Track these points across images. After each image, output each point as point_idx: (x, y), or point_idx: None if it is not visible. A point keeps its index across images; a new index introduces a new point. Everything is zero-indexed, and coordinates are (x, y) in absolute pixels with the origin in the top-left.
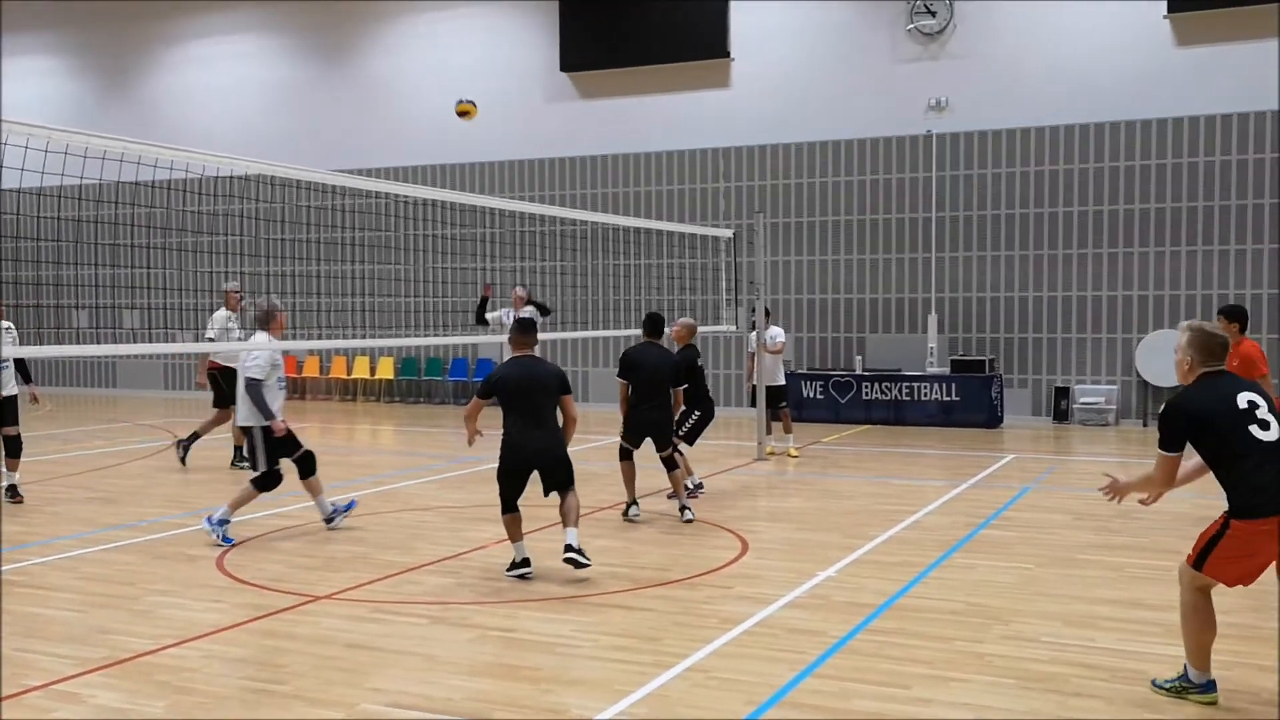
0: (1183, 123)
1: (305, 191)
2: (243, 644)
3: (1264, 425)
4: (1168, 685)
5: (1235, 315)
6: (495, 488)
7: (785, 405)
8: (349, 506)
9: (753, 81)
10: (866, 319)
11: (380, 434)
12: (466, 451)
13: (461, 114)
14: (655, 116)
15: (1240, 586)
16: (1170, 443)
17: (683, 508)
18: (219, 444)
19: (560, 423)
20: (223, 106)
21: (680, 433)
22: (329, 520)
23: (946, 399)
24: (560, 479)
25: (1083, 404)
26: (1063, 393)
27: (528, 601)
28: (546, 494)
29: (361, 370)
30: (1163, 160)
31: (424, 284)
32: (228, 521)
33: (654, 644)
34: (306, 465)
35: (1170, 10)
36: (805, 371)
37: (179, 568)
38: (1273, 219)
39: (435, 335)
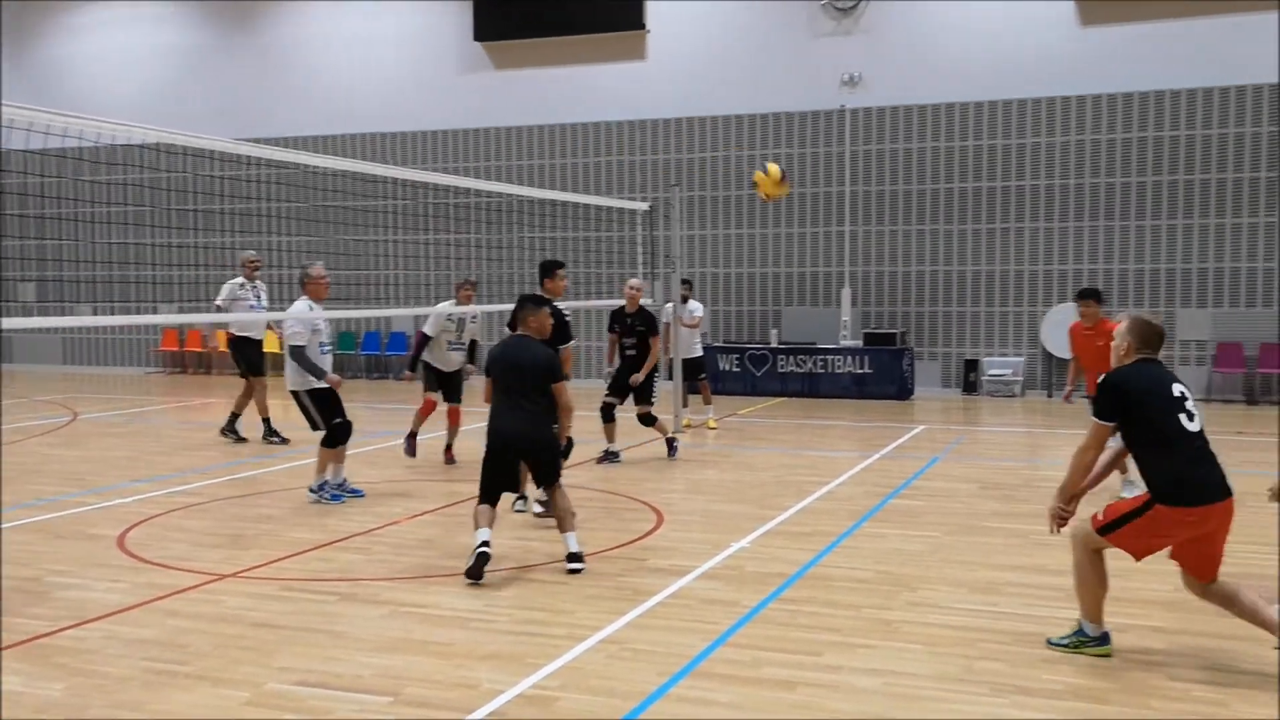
0: (1086, 101)
1: (208, 161)
2: (145, 624)
3: (1190, 416)
4: (1064, 642)
5: (1094, 295)
6: (405, 463)
7: (704, 377)
8: (356, 493)
9: (668, 54)
10: (782, 292)
11: (291, 409)
12: (380, 425)
13: (761, 186)
14: (571, 88)
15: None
16: (1106, 412)
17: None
18: (146, 418)
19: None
20: (121, 73)
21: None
22: (319, 488)
23: (859, 371)
24: (542, 466)
25: (990, 376)
26: (971, 365)
27: (441, 577)
28: (539, 486)
29: (271, 344)
30: (1067, 137)
31: (333, 256)
32: (325, 483)
33: (568, 617)
34: (347, 433)
35: None
36: (721, 345)
37: (78, 547)
38: (1173, 195)
39: (346, 308)
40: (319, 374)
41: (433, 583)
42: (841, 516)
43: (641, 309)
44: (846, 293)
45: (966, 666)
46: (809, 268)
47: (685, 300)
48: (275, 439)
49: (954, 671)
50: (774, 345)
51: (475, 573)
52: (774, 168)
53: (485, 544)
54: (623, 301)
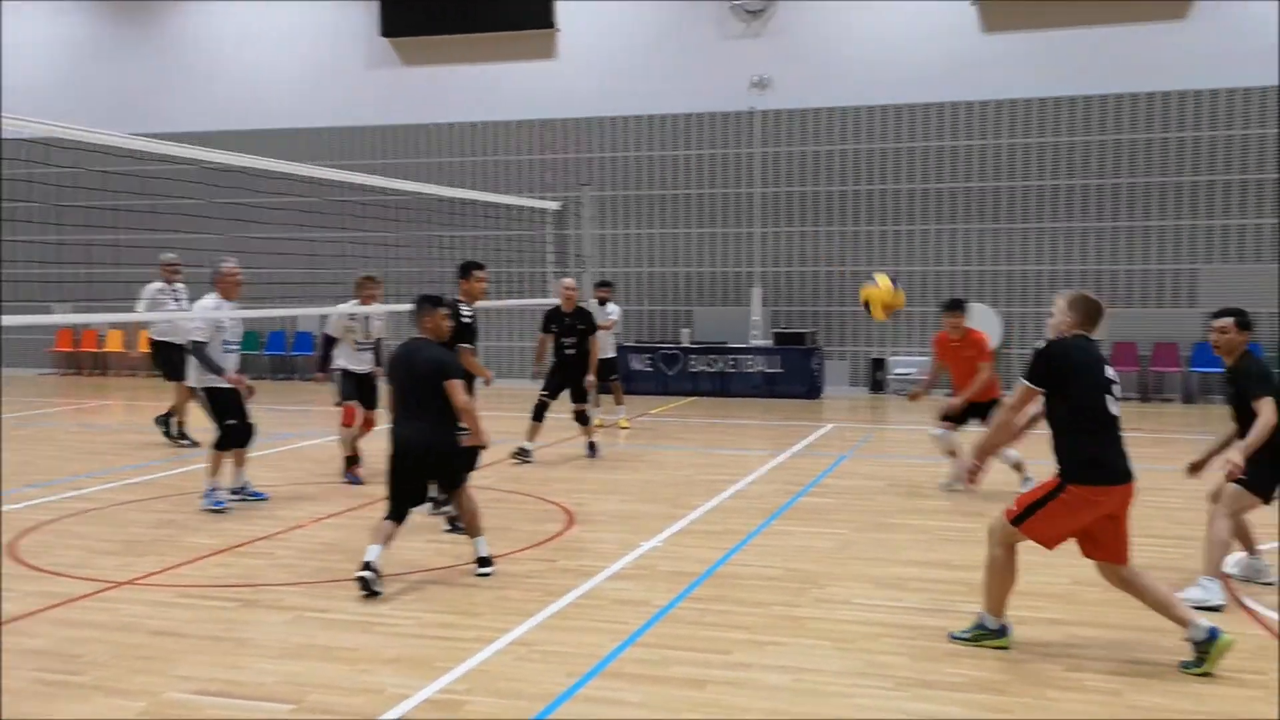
0: (989, 106)
1: (109, 158)
2: (36, 634)
3: (1115, 400)
4: (965, 635)
5: (960, 306)
6: (309, 466)
7: (616, 378)
8: (259, 496)
9: (579, 53)
10: (693, 292)
11: (190, 410)
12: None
13: (874, 302)
14: (480, 86)
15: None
16: (1038, 378)
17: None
18: (40, 420)
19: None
20: (17, 66)
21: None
22: (234, 493)
23: (770, 371)
24: (446, 473)
25: (896, 375)
26: (878, 364)
27: (346, 581)
28: (443, 492)
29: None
30: (970, 141)
31: (238, 255)
32: (216, 488)
33: (475, 619)
34: (243, 436)
35: None
36: (633, 344)
37: None
38: (1069, 199)
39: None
40: (218, 371)
41: (337, 587)
42: (752, 515)
43: (579, 308)
44: (757, 293)
45: (870, 661)
46: (720, 268)
47: (604, 302)
48: (185, 442)
49: (858, 666)
50: (685, 345)
51: (367, 590)
52: (884, 279)
53: (366, 565)
54: (556, 301)
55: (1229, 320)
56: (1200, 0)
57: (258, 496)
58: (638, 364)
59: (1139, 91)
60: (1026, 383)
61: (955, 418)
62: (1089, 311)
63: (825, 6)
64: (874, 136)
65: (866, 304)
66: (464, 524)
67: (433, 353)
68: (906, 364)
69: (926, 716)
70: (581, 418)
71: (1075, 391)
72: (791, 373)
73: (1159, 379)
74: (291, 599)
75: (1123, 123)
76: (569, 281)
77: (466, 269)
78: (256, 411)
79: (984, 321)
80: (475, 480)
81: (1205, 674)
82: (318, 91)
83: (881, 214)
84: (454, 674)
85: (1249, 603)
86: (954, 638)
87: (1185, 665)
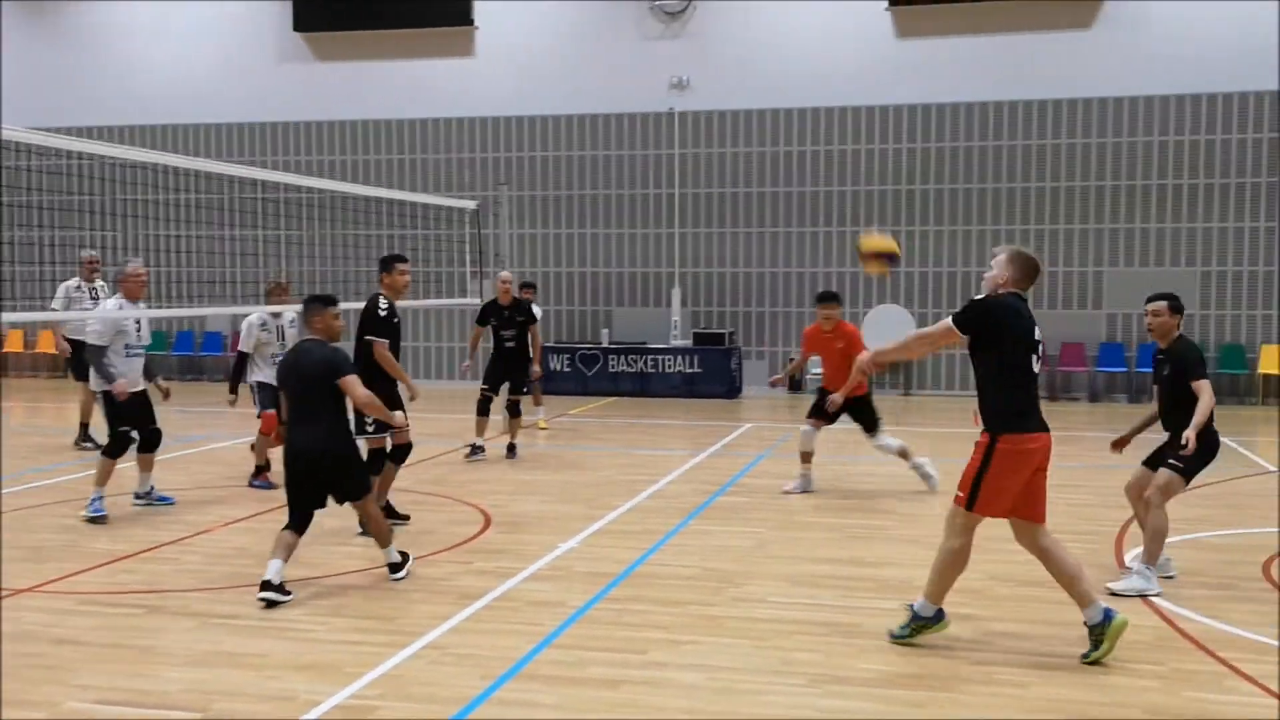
0: (903, 110)
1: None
2: None
3: (1038, 359)
4: (904, 632)
5: (835, 299)
6: (218, 469)
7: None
8: (165, 500)
9: (497, 52)
10: (613, 293)
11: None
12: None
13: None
14: (396, 83)
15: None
16: (966, 325)
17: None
18: None
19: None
20: None
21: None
22: (139, 497)
23: (689, 371)
24: (338, 485)
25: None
26: None
27: (254, 587)
28: (340, 503)
29: (46, 343)
30: (885, 145)
31: (144, 253)
32: (99, 497)
33: (389, 623)
34: (148, 440)
35: (891, 3)
36: (553, 345)
37: None
38: (981, 202)
39: (158, 307)
40: (108, 378)
41: (246, 592)
42: (670, 515)
43: (516, 300)
44: (676, 293)
45: (785, 658)
46: (639, 268)
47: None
48: (89, 445)
49: (773, 664)
50: (605, 345)
51: (272, 605)
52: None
53: (266, 584)
54: (475, 301)
55: (1163, 304)
56: (1107, 4)
57: (164, 501)
58: (557, 364)
59: (1047, 98)
60: (953, 326)
61: (828, 416)
62: (1026, 268)
63: (744, 8)
64: (792, 139)
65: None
66: (371, 534)
67: (323, 353)
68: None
69: (839, 712)
70: (514, 409)
71: (1007, 348)
72: (711, 373)
73: (1066, 378)
74: (198, 605)
75: (1031, 129)
76: (506, 275)
77: (388, 262)
78: (163, 413)
79: (897, 322)
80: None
81: (1098, 661)
82: (229, 87)
83: (800, 215)
84: (365, 679)
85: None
86: (895, 637)
87: (1085, 656)
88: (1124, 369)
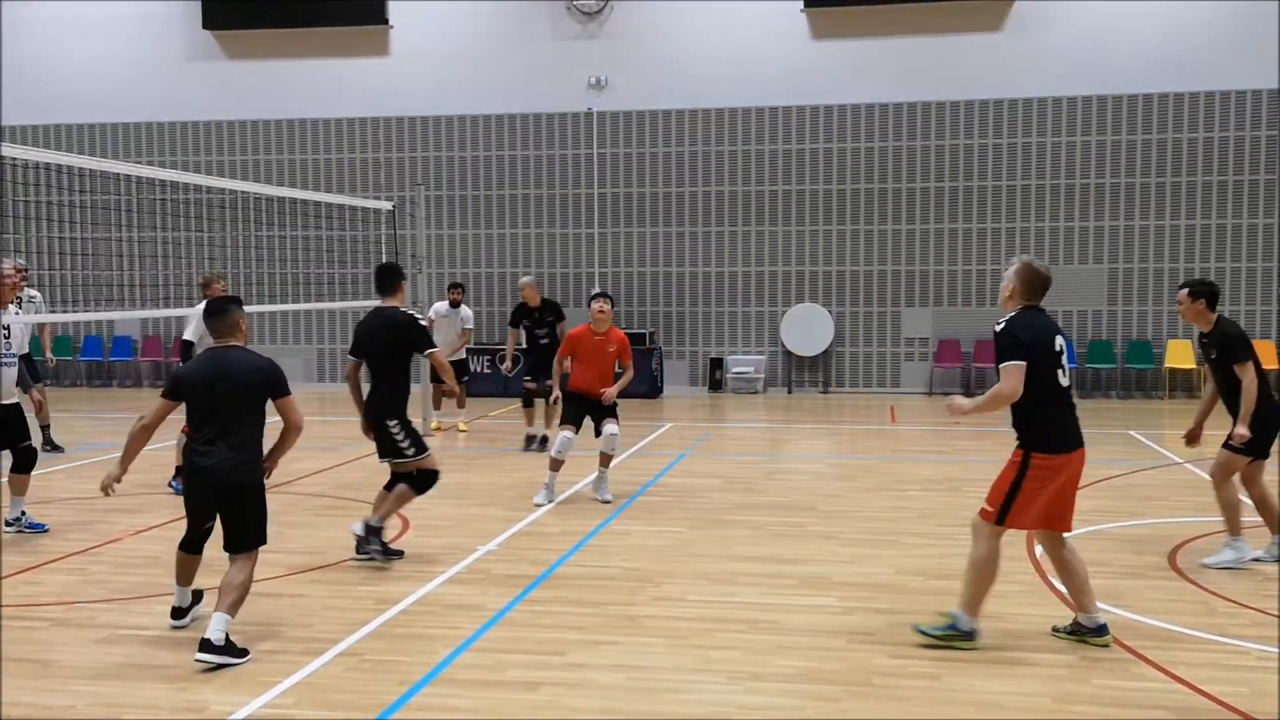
0: (819, 110)
1: None
2: None
3: (1064, 371)
4: (935, 632)
5: (609, 297)
6: (129, 477)
7: (466, 380)
8: (37, 527)
9: (413, 51)
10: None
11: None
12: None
13: None
14: (309, 82)
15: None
16: (1015, 354)
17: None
18: None
19: (279, 439)
20: None
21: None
22: (9, 523)
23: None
24: (247, 519)
25: (734, 374)
26: (716, 363)
27: (165, 596)
28: (229, 549)
29: None
30: (802, 145)
31: (44, 255)
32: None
33: (304, 630)
34: (22, 460)
35: (806, 5)
36: (472, 346)
37: None
38: (896, 201)
39: (64, 311)
40: None
41: (157, 602)
42: (590, 515)
43: (545, 300)
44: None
45: (704, 656)
46: (559, 268)
47: (456, 305)
48: (47, 448)
49: (692, 662)
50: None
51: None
52: None
53: (176, 611)
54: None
55: (1181, 291)
56: (1016, 5)
57: (36, 528)
58: (477, 365)
59: (959, 99)
60: (1012, 362)
61: (577, 419)
62: (1032, 281)
63: (661, 9)
64: (709, 138)
65: None
66: (223, 590)
67: (255, 361)
68: (744, 363)
69: (759, 708)
70: (536, 397)
71: (1030, 366)
72: None
73: (981, 374)
74: (106, 616)
75: (945, 129)
76: (529, 279)
77: (399, 277)
78: (69, 420)
79: (817, 320)
80: (307, 487)
81: (1059, 635)
82: (136, 85)
83: (719, 215)
84: (281, 688)
85: (1058, 585)
86: (923, 632)
87: (1057, 630)
88: None
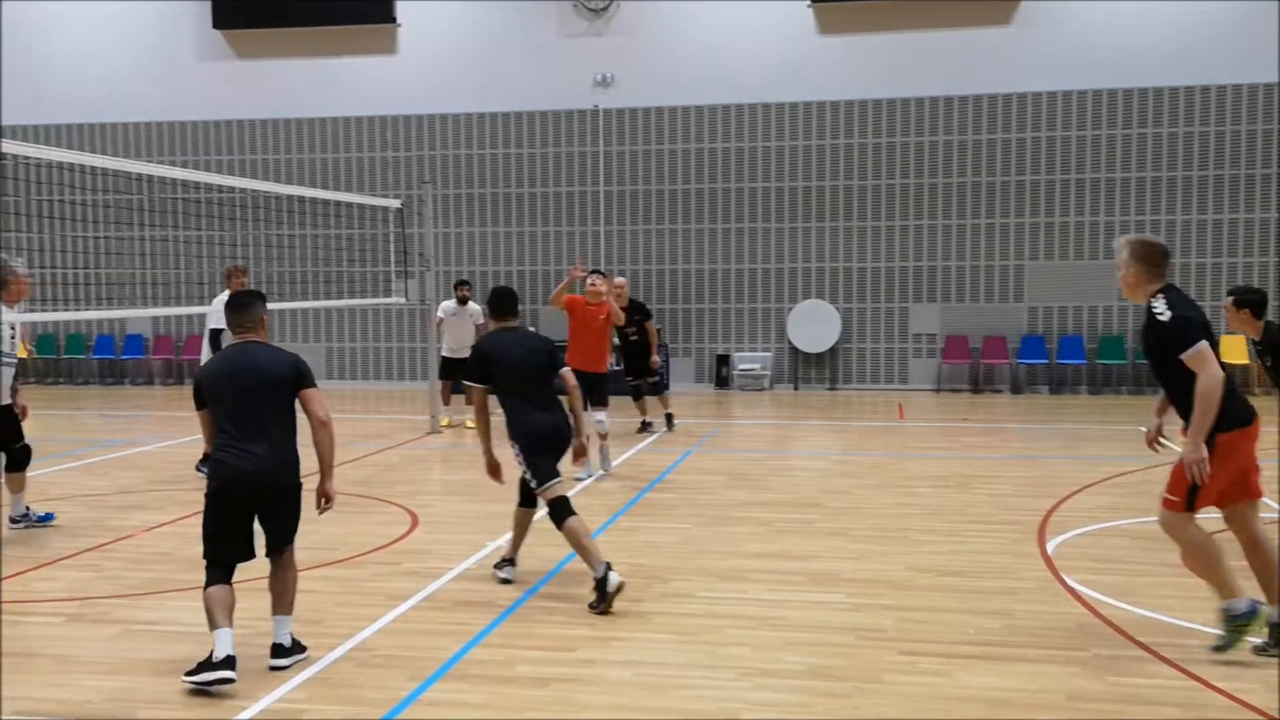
0: (825, 106)
1: None
2: None
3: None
4: (1225, 642)
5: (598, 274)
6: (141, 473)
7: None
8: (46, 518)
9: (421, 49)
10: (539, 291)
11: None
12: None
13: None
14: (319, 80)
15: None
16: (1197, 335)
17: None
18: None
19: (311, 439)
20: None
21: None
22: (15, 521)
23: (616, 368)
24: (283, 521)
25: (741, 370)
26: (723, 360)
27: (178, 592)
28: (269, 553)
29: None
30: (808, 142)
31: (63, 255)
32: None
33: (315, 626)
34: (17, 458)
35: (812, 0)
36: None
37: None
38: (904, 198)
39: (76, 309)
40: None
41: (169, 598)
42: (598, 512)
43: (631, 300)
44: None
45: (713, 653)
46: (565, 266)
47: (465, 302)
48: None
49: (701, 658)
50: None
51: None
52: None
53: (228, 662)
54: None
55: (1227, 299)
56: (1024, 3)
57: (45, 520)
58: None
59: (967, 94)
60: (1202, 343)
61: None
62: (1151, 258)
63: (667, 6)
64: (716, 135)
65: None
66: (276, 594)
67: (280, 356)
68: (751, 360)
69: (768, 705)
70: (637, 392)
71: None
72: None
73: (989, 371)
74: (120, 612)
75: (953, 124)
76: (620, 280)
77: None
78: (82, 418)
79: (824, 318)
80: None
81: (1224, 648)
82: (148, 85)
83: (724, 211)
84: (293, 683)
85: (1070, 581)
86: (1219, 648)
87: (1263, 649)
88: (1045, 360)
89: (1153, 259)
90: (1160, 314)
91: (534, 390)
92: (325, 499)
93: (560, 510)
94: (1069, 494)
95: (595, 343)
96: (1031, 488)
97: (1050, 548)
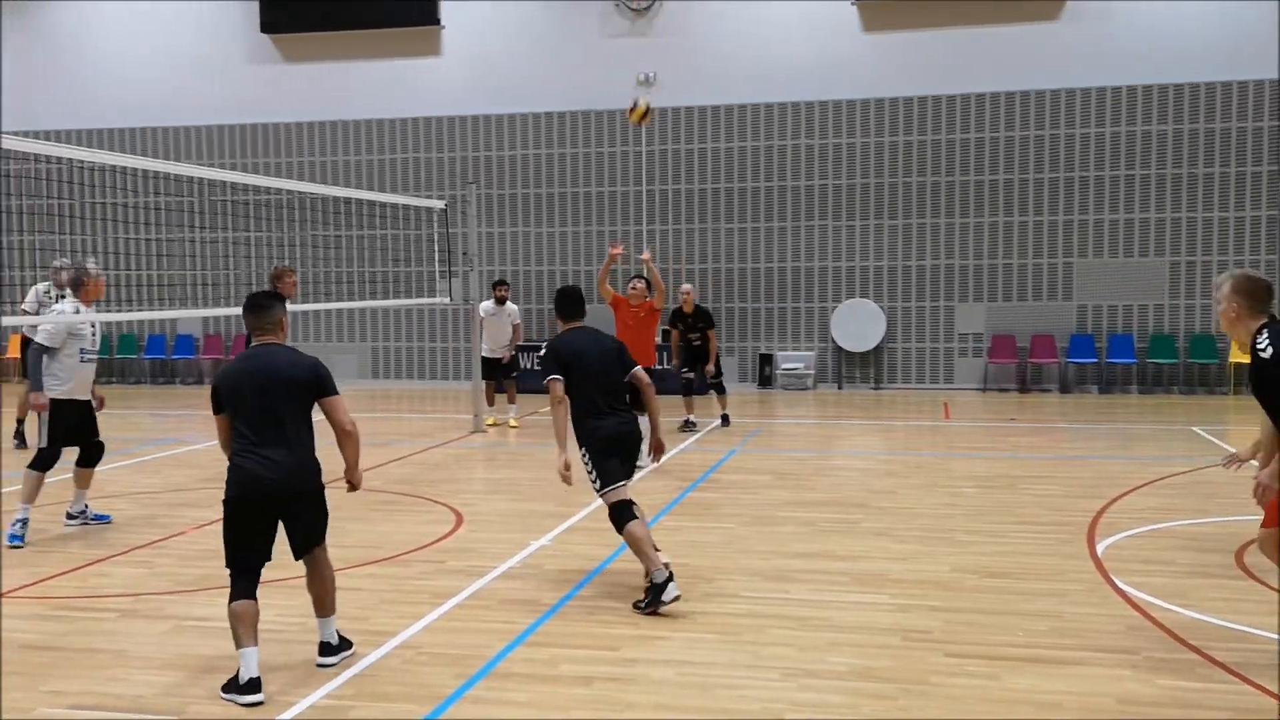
0: (870, 104)
1: None
2: None
3: None
4: None
5: (641, 279)
6: (193, 471)
7: (515, 375)
8: (102, 518)
9: (464, 50)
10: (583, 290)
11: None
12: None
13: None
14: (364, 83)
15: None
16: None
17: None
18: None
19: (327, 442)
20: None
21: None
22: (72, 517)
23: (660, 367)
24: (308, 522)
25: (785, 370)
26: (766, 359)
27: (228, 589)
28: (297, 556)
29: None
30: (853, 139)
31: (116, 256)
32: (21, 520)
33: (362, 623)
34: (90, 454)
35: None
36: (524, 343)
37: None
38: (950, 195)
39: (129, 310)
40: (37, 385)
41: (219, 595)
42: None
43: (698, 307)
44: None
45: (757, 653)
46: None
47: (504, 302)
48: (16, 443)
49: (745, 659)
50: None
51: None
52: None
53: (252, 685)
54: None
55: None
56: (1071, 3)
57: (101, 519)
58: (528, 362)
59: (1014, 90)
60: None
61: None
62: (1254, 292)
63: (711, 5)
64: (759, 134)
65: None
66: (315, 599)
67: (300, 359)
68: (794, 359)
69: (813, 705)
70: (701, 388)
71: None
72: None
73: (1037, 370)
74: (172, 608)
75: (999, 120)
76: (687, 287)
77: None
78: (134, 417)
79: (868, 316)
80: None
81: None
82: (197, 89)
83: (768, 210)
84: (339, 680)
85: (1120, 583)
86: None
87: None
88: (1094, 360)
89: (1256, 294)
90: (1263, 350)
91: (607, 390)
92: (351, 486)
93: (622, 514)
94: (1119, 495)
95: (639, 338)
96: (1080, 488)
97: (1100, 549)
